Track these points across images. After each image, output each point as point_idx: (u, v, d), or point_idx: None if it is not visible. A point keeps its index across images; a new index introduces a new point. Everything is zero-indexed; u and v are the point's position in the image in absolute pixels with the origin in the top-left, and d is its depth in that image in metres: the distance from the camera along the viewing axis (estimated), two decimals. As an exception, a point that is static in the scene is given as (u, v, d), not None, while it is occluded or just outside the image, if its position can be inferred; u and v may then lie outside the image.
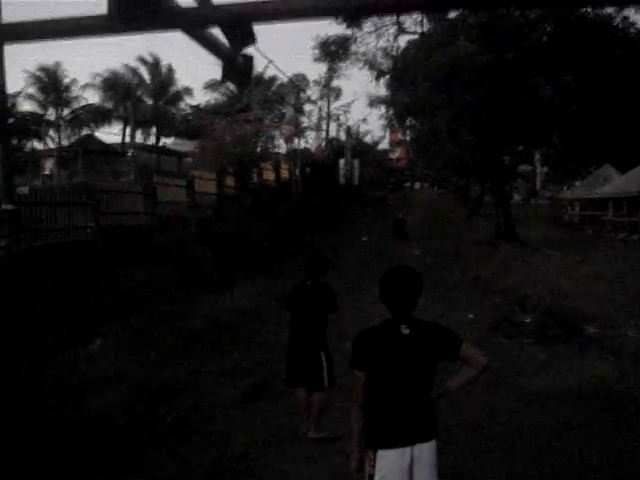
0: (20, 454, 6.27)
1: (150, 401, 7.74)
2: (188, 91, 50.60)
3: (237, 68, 3.94)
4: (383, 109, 28.96)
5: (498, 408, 7.96)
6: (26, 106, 47.03)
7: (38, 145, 47.08)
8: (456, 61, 20.00)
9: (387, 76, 27.35)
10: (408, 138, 34.47)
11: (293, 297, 7.16)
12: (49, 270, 12.71)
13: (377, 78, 27.98)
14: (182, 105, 51.77)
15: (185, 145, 42.37)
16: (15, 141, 42.77)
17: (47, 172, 35.48)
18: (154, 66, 49.03)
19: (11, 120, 36.90)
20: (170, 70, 49.62)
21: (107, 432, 6.70)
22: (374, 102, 29.01)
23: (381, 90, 29.58)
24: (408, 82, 23.25)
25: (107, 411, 7.11)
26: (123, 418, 7.03)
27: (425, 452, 3.91)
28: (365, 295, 15.35)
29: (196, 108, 49.01)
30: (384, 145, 60.00)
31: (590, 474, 6.07)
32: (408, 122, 28.81)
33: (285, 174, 37.37)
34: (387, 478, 3.88)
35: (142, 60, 48.75)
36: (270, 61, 47.53)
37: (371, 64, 28.43)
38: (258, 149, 31.40)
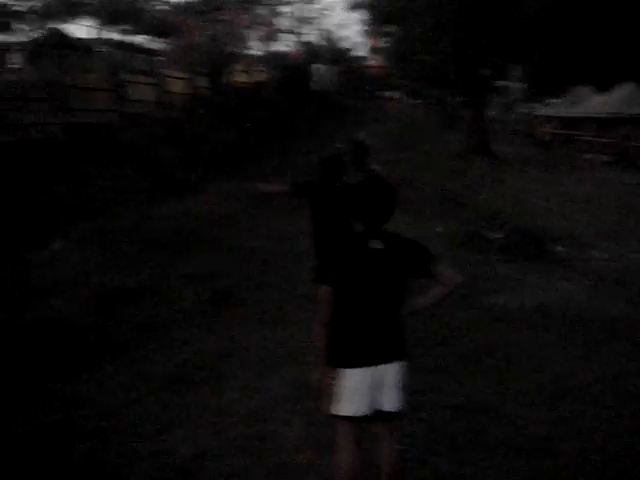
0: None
1: (110, 306, 7.58)
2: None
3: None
4: (362, 14, 28.29)
5: (465, 325, 7.90)
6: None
7: (4, 37, 45.77)
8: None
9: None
10: (386, 45, 33.81)
11: (315, 193, 6.67)
12: (10, 167, 12.34)
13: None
14: (156, 1, 50.30)
15: (157, 43, 41.26)
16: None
17: (14, 66, 34.35)
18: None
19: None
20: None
21: (64, 337, 6.54)
22: (354, 6, 28.29)
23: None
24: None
25: (65, 315, 6.94)
26: (81, 323, 6.85)
27: (390, 373, 3.75)
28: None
29: (169, 5, 47.60)
30: (362, 52, 59.04)
31: (555, 390, 6.04)
32: (387, 29, 28.16)
33: (259, 77, 36.66)
34: (348, 398, 3.73)
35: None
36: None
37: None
38: (231, 50, 30.68)
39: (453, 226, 13.63)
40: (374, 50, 48.44)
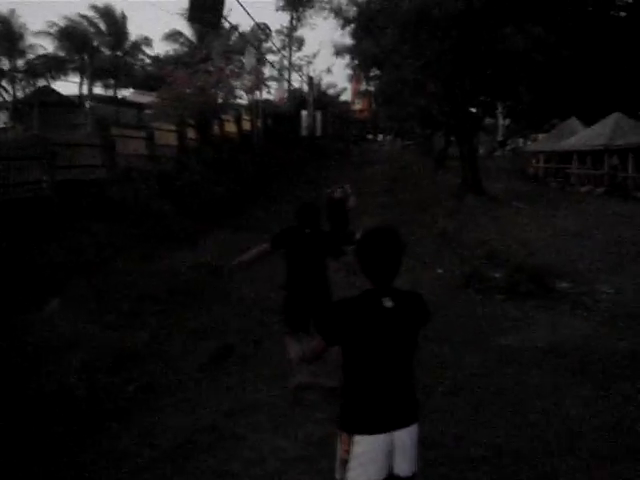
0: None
1: (111, 368, 7.33)
2: (147, 41, 49.57)
3: (205, 6, 3.50)
4: (348, 59, 28.48)
5: (477, 369, 7.68)
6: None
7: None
8: (425, 7, 19.50)
9: (353, 24, 26.68)
10: (372, 89, 34.04)
11: (290, 241, 6.70)
12: (2, 227, 12.15)
13: (343, 27, 27.26)
14: (141, 56, 50.68)
15: (145, 96, 41.39)
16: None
17: (1, 125, 34.42)
18: (109, 15, 47.67)
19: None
20: (124, 18, 48.29)
21: (65, 404, 6.28)
22: (339, 51, 28.47)
23: (347, 39, 29.19)
24: (375, 30, 22.72)
25: (65, 380, 6.69)
26: (82, 388, 6.60)
27: (406, 437, 3.51)
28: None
29: (155, 59, 47.97)
30: (347, 97, 59.53)
31: (577, 437, 5.83)
32: (373, 72, 28.33)
33: (247, 126, 36.73)
34: (364, 465, 3.45)
35: (96, 8, 47.34)
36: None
37: (336, 12, 27.65)
38: (219, 100, 30.76)
39: (452, 267, 13.48)
40: (361, 94, 48.82)
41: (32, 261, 11.40)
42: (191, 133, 27.28)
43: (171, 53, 47.85)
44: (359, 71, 29.13)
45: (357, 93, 50.37)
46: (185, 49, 46.60)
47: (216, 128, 30.78)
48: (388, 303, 3.48)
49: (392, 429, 3.47)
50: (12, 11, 45.34)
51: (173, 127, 24.79)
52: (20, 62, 46.93)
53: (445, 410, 6.42)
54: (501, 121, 48.00)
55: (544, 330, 9.31)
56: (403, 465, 3.51)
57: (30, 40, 46.60)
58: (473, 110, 26.93)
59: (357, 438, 3.47)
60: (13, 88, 46.07)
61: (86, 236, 13.35)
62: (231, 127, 33.81)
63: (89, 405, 6.36)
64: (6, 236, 11.85)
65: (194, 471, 5.28)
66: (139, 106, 40.35)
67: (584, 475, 5.18)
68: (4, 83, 46.54)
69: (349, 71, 29.19)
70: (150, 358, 7.86)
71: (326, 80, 64.19)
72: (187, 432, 5.96)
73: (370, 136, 61.65)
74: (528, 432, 5.94)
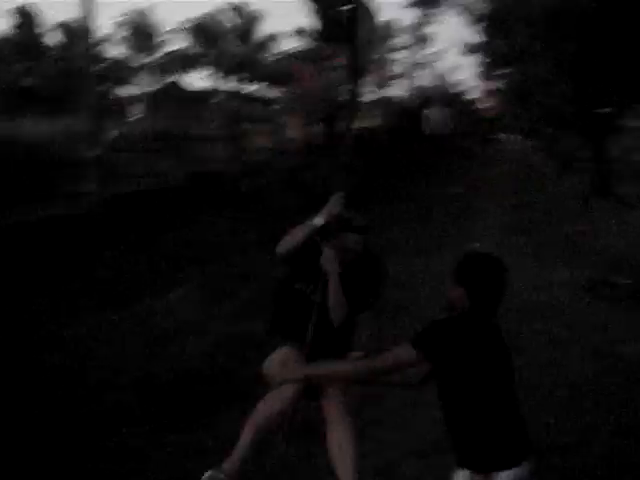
0: (99, 404, 6.16)
1: (231, 353, 7.54)
2: (276, 37, 50.27)
3: (336, 25, 3.52)
4: (477, 57, 28.05)
5: (588, 379, 7.41)
6: (115, 51, 47.54)
7: (126, 90, 47.72)
8: (557, 4, 18.99)
9: (483, 22, 26.24)
10: (501, 87, 33.42)
11: None
12: (134, 216, 12.67)
13: (473, 24, 26.85)
14: (270, 51, 51.53)
15: (273, 91, 42.11)
16: (103, 87, 43.41)
17: (134, 118, 35.70)
18: (242, 11, 48.74)
19: (100, 65, 37.30)
20: (258, 15, 49.30)
21: (186, 385, 6.53)
22: (468, 49, 28.09)
23: (476, 37, 28.68)
24: (506, 28, 22.29)
25: (188, 362, 6.94)
26: (207, 369, 6.84)
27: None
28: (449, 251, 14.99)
29: (284, 54, 48.63)
30: (475, 94, 58.67)
31: None
32: (502, 71, 27.82)
33: (373, 122, 36.83)
34: None
35: (230, 5, 48.52)
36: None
37: (467, 9, 27.26)
38: (346, 96, 30.98)
39: (577, 272, 13.10)
40: (488, 92, 48.04)
41: (159, 250, 11.84)
42: (317, 128, 27.60)
43: (300, 48, 48.40)
44: (488, 69, 28.60)
45: (486, 91, 49.54)
46: (314, 45, 47.05)
47: (342, 124, 31.03)
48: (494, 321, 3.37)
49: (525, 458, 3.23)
50: (149, 8, 46.97)
51: (299, 122, 25.14)
52: (155, 57, 48.58)
53: (557, 415, 6.29)
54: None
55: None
56: None
57: (165, 36, 48.20)
58: (605, 111, 26.04)
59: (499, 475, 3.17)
60: (147, 82, 47.71)
61: (212, 227, 13.73)
62: (357, 123, 34.02)
63: (210, 386, 6.57)
64: (137, 224, 12.37)
65: (308, 457, 5.37)
66: (267, 101, 41.09)
67: None
68: (139, 77, 48.25)
69: (478, 69, 28.63)
70: (269, 346, 8.00)
71: (454, 77, 63.47)
72: (307, 417, 6.05)
73: (498, 135, 60.60)
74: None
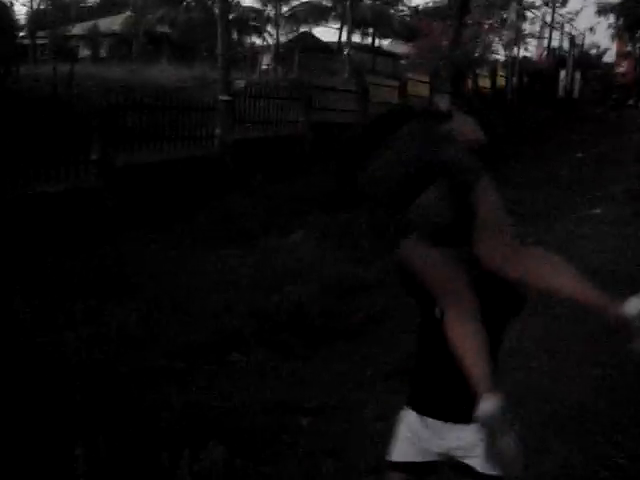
0: (213, 332, 6.64)
1: (343, 295, 7.85)
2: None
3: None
4: (612, 18, 27.24)
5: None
6: (247, 1, 48.21)
7: (257, 40, 48.44)
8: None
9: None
10: (637, 51, 32.33)
11: None
12: (259, 161, 13.11)
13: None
14: (401, 6, 51.18)
15: (401, 47, 41.91)
16: (235, 35, 44.18)
17: (264, 67, 36.28)
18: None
19: (232, 15, 37.88)
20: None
21: (299, 320, 6.90)
22: (602, 10, 27.30)
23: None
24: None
25: (301, 300, 7.29)
26: (316, 308, 7.19)
27: None
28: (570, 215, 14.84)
29: (415, 9, 48.22)
30: (610, 58, 56.60)
31: None
32: (638, 33, 26.93)
33: (502, 82, 36.21)
34: None
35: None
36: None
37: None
38: (476, 54, 30.59)
39: None
40: (623, 56, 46.38)
41: (282, 194, 12.24)
42: (445, 85, 27.43)
43: (430, 5, 47.85)
44: (623, 31, 27.68)
45: (620, 54, 47.76)
46: (445, 1, 46.48)
47: (470, 82, 30.72)
48: None
49: None
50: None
51: (426, 78, 25.08)
52: (284, 8, 48.99)
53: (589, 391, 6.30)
54: None
55: None
56: None
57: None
58: None
59: None
60: (277, 33, 48.24)
61: (332, 175, 14.03)
62: (485, 82, 33.56)
63: (320, 324, 6.93)
64: (262, 169, 12.81)
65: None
66: (395, 56, 40.97)
67: None
68: (269, 28, 48.84)
69: (612, 31, 27.77)
70: (380, 291, 8.26)
71: (589, 40, 61.33)
72: (406, 361, 6.32)
73: (632, 102, 58.39)
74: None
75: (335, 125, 16.79)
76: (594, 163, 24.53)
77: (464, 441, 2.85)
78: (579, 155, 26.25)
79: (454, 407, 2.85)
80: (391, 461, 3.06)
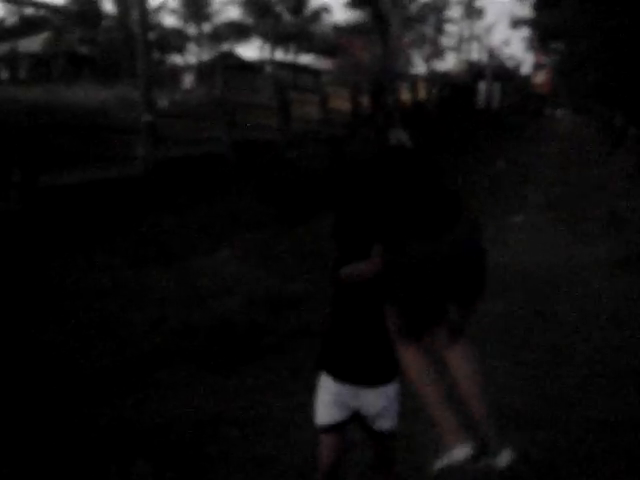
0: (140, 350, 6.67)
1: (270, 309, 7.97)
2: (327, 8, 50.41)
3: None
4: (526, 31, 28.02)
5: (612, 343, 7.78)
6: (168, 20, 48.15)
7: (179, 59, 48.36)
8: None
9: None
10: (551, 63, 33.28)
11: None
12: (182, 180, 13.13)
13: (522, -2, 26.85)
14: (321, 23, 51.66)
15: (323, 62, 42.33)
16: (157, 55, 44.04)
17: (187, 86, 36.23)
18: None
19: (153, 34, 37.78)
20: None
21: (225, 335, 6.99)
22: (517, 23, 28.04)
23: (525, 11, 28.49)
24: (554, 2, 22.24)
25: (227, 316, 7.38)
26: (243, 323, 7.29)
27: None
28: (491, 222, 15.28)
29: (335, 26, 48.72)
30: (527, 69, 58.11)
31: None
32: (553, 45, 27.73)
33: (422, 95, 36.86)
34: None
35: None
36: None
37: (517, -18, 27.25)
38: (395, 68, 31.11)
39: (617, 247, 13.26)
40: (539, 67, 47.68)
41: (207, 213, 12.29)
42: (365, 100, 27.81)
43: (351, 20, 48.48)
44: (537, 43, 28.51)
45: (536, 66, 49.11)
46: (365, 17, 47.10)
47: (390, 96, 31.18)
48: None
49: None
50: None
51: (347, 93, 25.40)
52: (206, 27, 49.05)
53: (580, 373, 6.68)
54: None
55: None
56: None
57: (217, 6, 48.69)
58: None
59: None
60: (199, 51, 48.25)
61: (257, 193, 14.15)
62: (406, 96, 34.11)
63: (249, 339, 7.04)
64: (185, 188, 12.85)
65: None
66: (317, 72, 41.35)
67: None
68: (191, 47, 48.81)
69: (527, 43, 28.59)
70: (308, 305, 8.40)
71: (506, 52, 62.84)
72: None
73: (548, 111, 59.98)
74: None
75: (258, 142, 16.93)
76: (513, 172, 25.21)
77: (373, 404, 3.45)
78: (499, 164, 26.92)
79: (365, 373, 3.41)
80: (320, 425, 3.60)
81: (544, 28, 24.77)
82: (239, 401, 5.94)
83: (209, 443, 5.16)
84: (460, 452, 3.13)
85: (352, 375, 3.44)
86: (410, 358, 3.22)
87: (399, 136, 4.13)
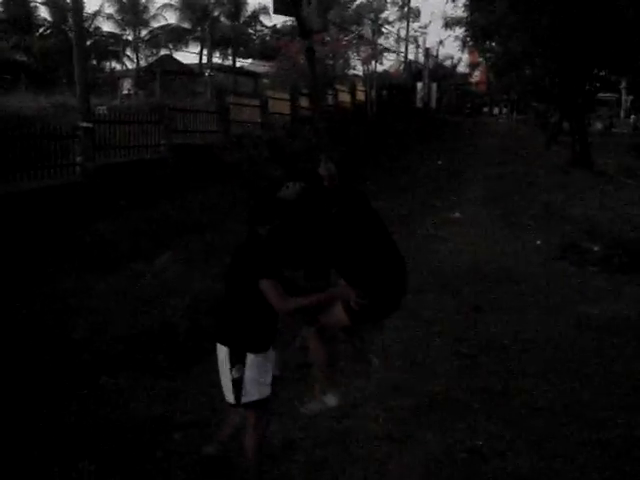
0: (80, 357, 6.69)
1: (211, 312, 7.99)
2: (265, 10, 50.31)
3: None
4: (459, 31, 28.37)
5: (554, 332, 8.04)
6: (105, 26, 47.64)
7: (117, 65, 47.90)
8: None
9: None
10: (486, 62, 33.78)
11: None
12: (122, 186, 13.09)
13: (454, -2, 27.20)
14: (259, 26, 51.69)
15: (262, 66, 42.31)
16: (94, 61, 43.58)
17: (125, 92, 35.91)
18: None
19: (89, 40, 37.41)
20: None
21: (167, 339, 7.02)
22: (450, 23, 28.39)
23: (458, 11, 29.01)
24: (486, 2, 22.61)
25: (170, 320, 7.41)
26: (186, 326, 7.32)
27: (217, 352, 4.50)
28: (431, 219, 15.61)
29: (273, 29, 48.79)
30: (463, 68, 58.89)
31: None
32: (487, 45, 28.17)
33: (361, 96, 37.08)
34: None
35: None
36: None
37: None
38: (334, 70, 31.28)
39: (552, 238, 13.60)
40: (474, 66, 48.38)
41: (147, 218, 12.27)
42: (304, 102, 27.92)
43: (289, 23, 48.51)
44: (470, 43, 28.92)
45: (472, 64, 49.82)
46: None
47: (330, 98, 31.37)
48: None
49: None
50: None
51: (287, 96, 25.48)
52: (144, 32, 48.70)
53: (513, 363, 6.96)
54: (624, 97, 46.66)
55: (631, 303, 9.44)
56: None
57: (153, 11, 48.30)
58: (586, 84, 26.41)
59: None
60: (137, 57, 47.89)
61: (198, 197, 14.16)
62: (345, 97, 34.30)
63: (189, 341, 7.08)
64: (125, 194, 12.81)
65: (275, 400, 5.93)
66: (256, 75, 41.32)
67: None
68: (129, 52, 48.41)
69: (462, 43, 28.89)
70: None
71: (442, 51, 63.65)
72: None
73: (486, 109, 60.86)
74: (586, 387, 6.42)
75: (197, 146, 16.94)
76: (452, 169, 25.61)
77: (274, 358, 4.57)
78: (438, 162, 27.32)
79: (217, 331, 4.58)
80: (248, 402, 4.40)
81: (477, 28, 25.14)
82: (183, 404, 5.99)
83: (154, 445, 5.21)
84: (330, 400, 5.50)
85: (271, 342, 4.52)
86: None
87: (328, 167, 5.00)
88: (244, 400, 4.38)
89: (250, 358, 4.35)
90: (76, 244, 10.35)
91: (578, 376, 6.64)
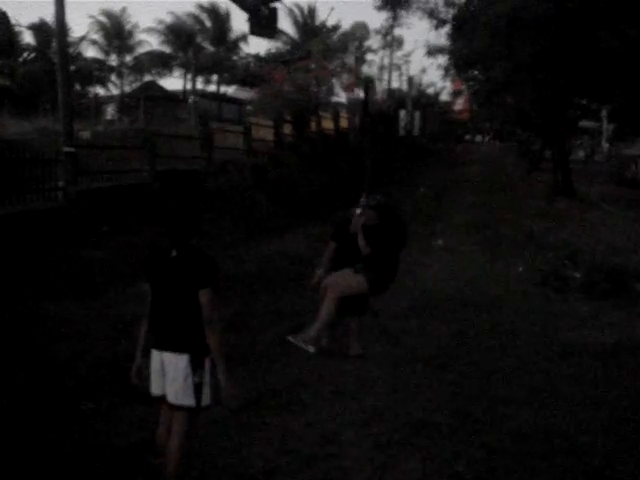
0: (62, 382, 6.65)
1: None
2: (247, 38, 50.56)
3: (261, 21, 4.04)
4: (442, 59, 28.64)
5: (530, 358, 8.08)
6: (89, 52, 47.78)
7: (101, 91, 47.97)
8: (516, 10, 19.53)
9: (447, 25, 26.75)
10: (468, 90, 34.04)
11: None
12: (105, 211, 13.05)
13: (437, 27, 27.31)
14: (243, 53, 51.95)
15: (246, 93, 42.43)
16: (78, 86, 43.62)
17: (109, 117, 35.91)
18: (214, 12, 49.08)
19: (74, 66, 37.41)
20: (228, 15, 49.64)
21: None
22: (433, 51, 28.56)
23: (441, 40, 29.27)
24: (468, 32, 22.82)
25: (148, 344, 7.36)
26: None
27: (170, 361, 4.56)
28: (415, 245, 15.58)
29: (257, 56, 49.02)
30: (446, 97, 59.26)
31: (621, 424, 6.14)
32: (469, 73, 28.42)
33: (344, 124, 37.19)
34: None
35: (202, 7, 48.88)
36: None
37: (431, 13, 27.71)
38: (318, 98, 31.39)
39: (534, 265, 13.68)
40: (457, 94, 48.69)
41: (130, 244, 12.23)
42: (288, 129, 28.03)
43: (272, 51, 48.85)
44: (452, 71, 29.15)
45: (455, 91, 50.11)
46: (287, 47, 47.50)
47: (313, 125, 31.45)
48: (173, 253, 4.60)
49: (160, 349, 4.65)
50: (123, 9, 47.27)
51: (270, 123, 25.56)
52: (128, 58, 48.86)
53: (502, 392, 6.95)
54: (605, 125, 47.03)
55: (613, 328, 9.51)
56: (169, 383, 4.60)
57: (138, 37, 48.53)
58: (568, 113, 26.71)
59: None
60: (121, 83, 48.01)
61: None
62: (328, 124, 34.38)
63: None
64: (107, 219, 12.78)
65: (259, 426, 5.89)
66: (240, 102, 41.38)
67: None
68: (113, 78, 48.51)
69: (444, 71, 29.05)
70: (234, 331, 8.43)
71: (425, 79, 64.15)
72: (259, 395, 6.57)
73: (468, 137, 61.27)
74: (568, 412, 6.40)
75: (181, 172, 16.94)
76: (436, 197, 25.73)
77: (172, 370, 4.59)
78: (421, 190, 27.42)
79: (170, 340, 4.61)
80: (155, 395, 4.77)
81: (459, 56, 25.35)
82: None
83: (134, 471, 5.16)
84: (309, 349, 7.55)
85: (161, 342, 4.72)
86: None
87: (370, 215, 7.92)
88: (203, 403, 4.63)
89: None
90: (58, 269, 10.27)
91: (560, 402, 6.64)
